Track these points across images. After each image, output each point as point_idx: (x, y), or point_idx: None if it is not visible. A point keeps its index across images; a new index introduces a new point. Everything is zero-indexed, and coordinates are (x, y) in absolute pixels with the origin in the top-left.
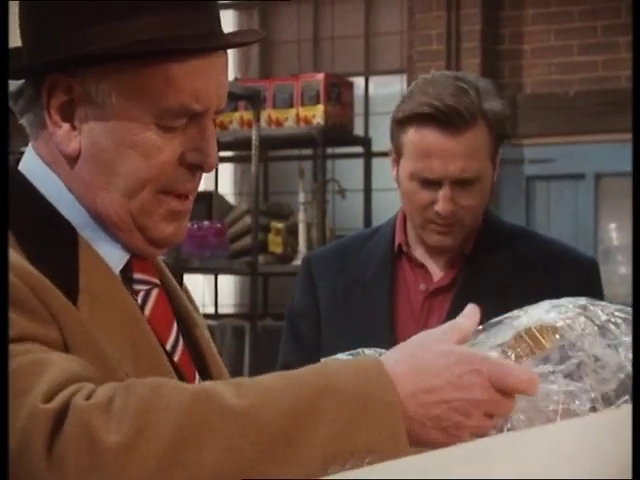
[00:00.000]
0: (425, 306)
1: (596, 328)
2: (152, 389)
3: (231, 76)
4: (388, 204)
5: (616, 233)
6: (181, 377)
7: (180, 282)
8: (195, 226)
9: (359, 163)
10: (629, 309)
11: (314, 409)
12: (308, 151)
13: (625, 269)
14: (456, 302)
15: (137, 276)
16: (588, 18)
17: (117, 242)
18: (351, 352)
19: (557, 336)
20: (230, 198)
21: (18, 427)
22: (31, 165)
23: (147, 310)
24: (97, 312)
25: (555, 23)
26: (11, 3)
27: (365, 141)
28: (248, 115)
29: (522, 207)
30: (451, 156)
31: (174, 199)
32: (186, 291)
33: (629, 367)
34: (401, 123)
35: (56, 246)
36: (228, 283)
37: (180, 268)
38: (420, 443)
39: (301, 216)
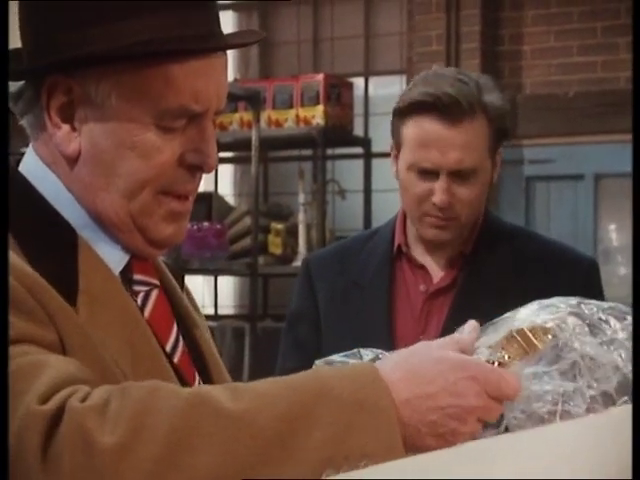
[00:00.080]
0: (425, 307)
1: (586, 328)
2: (148, 392)
3: (231, 77)
4: (388, 205)
5: (616, 234)
6: (181, 378)
7: (181, 283)
8: (195, 227)
9: (359, 164)
10: (620, 306)
11: (309, 413)
12: (308, 152)
13: (625, 270)
14: (456, 303)
15: (137, 277)
16: (588, 19)
17: (117, 243)
18: (346, 353)
19: (549, 336)
20: (230, 199)
21: (14, 428)
22: (31, 166)
23: (147, 311)
24: (96, 313)
25: (555, 24)
26: (11, 4)
27: (365, 142)
28: (248, 116)
29: (522, 207)
30: (449, 146)
31: (174, 200)
32: (187, 292)
33: (623, 366)
34: (402, 114)
35: (56, 247)
36: (228, 284)
37: (180, 269)
38: (415, 449)
39: (301, 217)
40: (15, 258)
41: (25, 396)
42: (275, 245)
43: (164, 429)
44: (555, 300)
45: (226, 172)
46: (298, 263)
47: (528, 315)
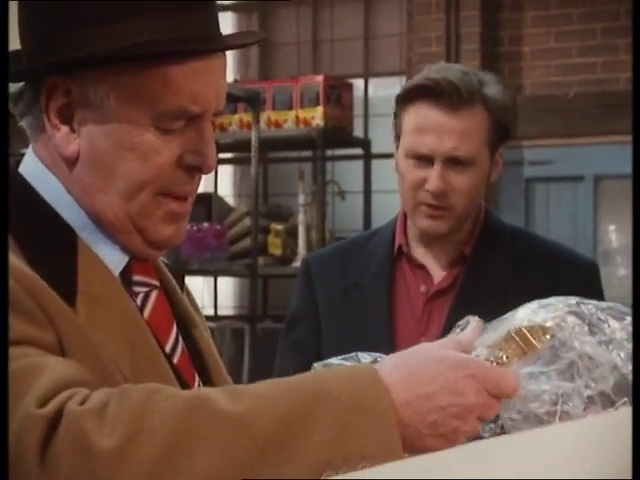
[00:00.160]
0: (426, 308)
1: (586, 327)
2: (146, 394)
3: (230, 78)
4: (388, 206)
5: (615, 235)
6: (180, 379)
7: (181, 284)
8: (194, 228)
9: (359, 165)
10: (619, 306)
11: (308, 415)
12: (308, 153)
13: (624, 271)
14: (457, 304)
15: (136, 278)
16: (587, 20)
17: (116, 244)
18: (344, 356)
19: (548, 336)
20: (230, 200)
21: (14, 428)
22: (31, 167)
23: (146, 312)
24: (96, 314)
25: (554, 25)
26: (11, 5)
27: (365, 143)
28: (247, 117)
29: (521, 209)
30: (445, 132)
31: (173, 201)
32: (187, 292)
33: (622, 366)
34: (403, 101)
35: (55, 248)
36: (227, 285)
37: (179, 270)
38: (415, 450)
39: (301, 218)
40: (14, 259)
41: (24, 399)
42: (275, 246)
43: (162, 432)
44: (554, 299)
45: (226, 173)
46: (298, 264)
47: (527, 314)
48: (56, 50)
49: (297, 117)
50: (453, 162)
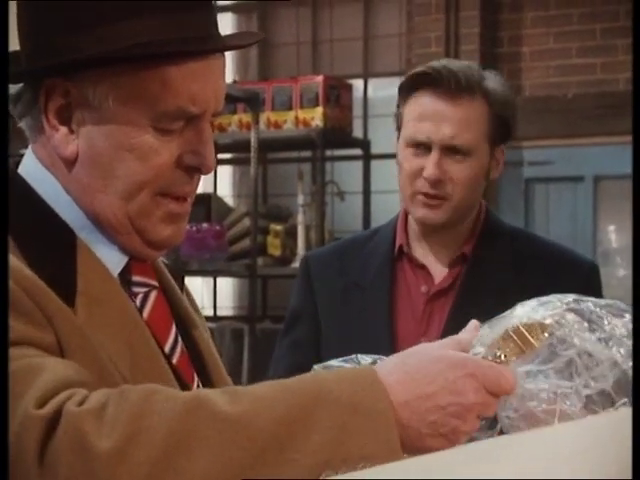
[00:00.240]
0: (427, 308)
1: (585, 324)
2: (145, 395)
3: (230, 78)
4: (387, 206)
5: (615, 235)
6: (180, 379)
7: (181, 284)
8: (194, 228)
9: (358, 165)
10: (619, 303)
11: (307, 416)
12: (307, 153)
13: (624, 271)
14: (457, 304)
15: (135, 278)
16: (587, 21)
17: (115, 244)
18: (344, 358)
19: (546, 334)
20: (229, 200)
21: (14, 428)
22: (30, 168)
23: (145, 312)
24: (95, 314)
25: (554, 26)
26: (11, 5)
27: (364, 143)
28: (247, 117)
29: (521, 209)
30: (444, 120)
31: (172, 201)
32: (187, 293)
33: (622, 362)
34: (404, 90)
35: (54, 248)
36: (227, 285)
37: (179, 270)
38: (415, 450)
39: (300, 218)
40: (14, 260)
41: (23, 399)
42: (274, 246)
43: (161, 432)
44: (553, 297)
45: (225, 173)
46: (297, 264)
47: (526, 312)
48: (55, 52)
49: (296, 118)
50: (451, 151)
